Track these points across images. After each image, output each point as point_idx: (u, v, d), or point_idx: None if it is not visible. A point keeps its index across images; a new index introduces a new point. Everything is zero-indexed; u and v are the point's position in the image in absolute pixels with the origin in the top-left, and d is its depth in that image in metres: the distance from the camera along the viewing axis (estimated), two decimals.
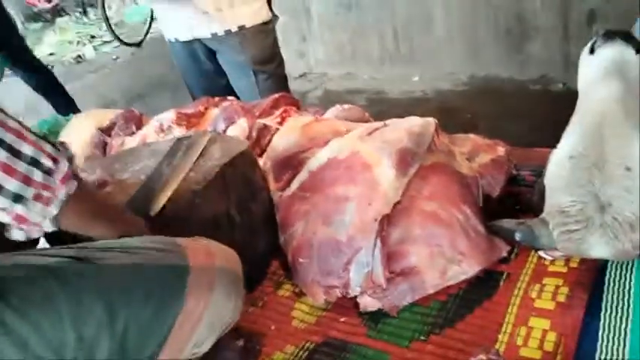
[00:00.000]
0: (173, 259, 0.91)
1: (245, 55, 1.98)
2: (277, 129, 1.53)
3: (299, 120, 1.50)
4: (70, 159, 0.85)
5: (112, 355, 0.82)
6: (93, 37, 5.78)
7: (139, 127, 1.77)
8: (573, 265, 1.13)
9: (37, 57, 3.51)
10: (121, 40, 5.21)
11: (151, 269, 0.88)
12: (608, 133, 1.08)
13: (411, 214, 1.18)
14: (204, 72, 2.15)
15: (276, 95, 1.67)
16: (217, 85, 2.14)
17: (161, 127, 1.64)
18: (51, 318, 0.78)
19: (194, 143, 1.30)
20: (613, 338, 0.96)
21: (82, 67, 5.16)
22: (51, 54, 5.61)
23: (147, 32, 5.33)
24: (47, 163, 0.80)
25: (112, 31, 5.18)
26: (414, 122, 1.31)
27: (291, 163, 1.38)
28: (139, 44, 5.30)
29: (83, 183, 0.87)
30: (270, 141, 1.52)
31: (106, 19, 5.13)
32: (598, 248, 1.03)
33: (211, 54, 2.08)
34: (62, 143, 0.85)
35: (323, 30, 3.79)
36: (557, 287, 1.09)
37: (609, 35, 1.24)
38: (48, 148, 0.81)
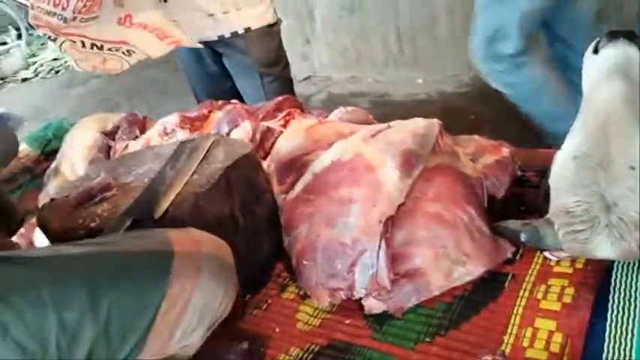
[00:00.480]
0: (157, 246, 0.92)
1: (251, 58, 2.00)
2: (281, 132, 1.53)
3: (303, 122, 1.50)
4: None
5: (96, 341, 0.82)
6: None
7: (143, 130, 1.77)
8: (579, 265, 1.12)
9: None
10: None
11: (134, 255, 0.89)
12: (613, 132, 1.07)
13: (416, 215, 1.18)
14: (210, 75, 2.16)
15: (280, 98, 1.67)
16: (223, 88, 2.15)
17: (165, 131, 1.64)
18: (33, 302, 0.78)
19: (197, 146, 1.30)
20: (620, 339, 0.96)
21: (86, 73, 5.17)
22: (55, 59, 5.64)
23: None
24: None
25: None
26: (418, 124, 1.31)
27: (294, 166, 1.38)
28: None
29: None
30: (273, 144, 1.52)
31: None
32: (604, 248, 1.02)
33: (217, 57, 2.09)
34: None
35: (327, 33, 3.80)
36: (563, 288, 1.08)
37: (613, 35, 1.23)
38: None
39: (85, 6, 1.67)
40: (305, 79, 3.91)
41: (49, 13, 1.69)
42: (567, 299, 1.06)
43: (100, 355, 0.83)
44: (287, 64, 2.15)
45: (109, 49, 1.82)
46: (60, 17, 1.69)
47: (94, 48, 1.80)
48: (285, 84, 2.12)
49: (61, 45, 1.77)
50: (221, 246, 1.01)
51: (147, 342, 0.87)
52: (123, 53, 1.85)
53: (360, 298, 1.15)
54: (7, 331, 0.76)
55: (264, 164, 1.45)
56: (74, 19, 1.68)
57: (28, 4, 1.71)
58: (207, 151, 1.29)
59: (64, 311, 0.79)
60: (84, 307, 0.80)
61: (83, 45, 1.78)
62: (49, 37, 1.78)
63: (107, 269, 0.85)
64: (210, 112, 1.71)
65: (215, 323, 0.98)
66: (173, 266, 0.88)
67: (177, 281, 0.88)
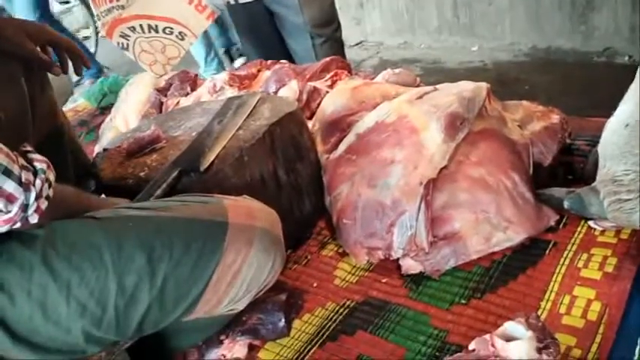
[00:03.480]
0: (214, 216, 0.93)
1: (304, 17, 1.99)
2: (327, 92, 1.53)
3: (349, 83, 1.50)
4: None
5: (151, 306, 0.86)
6: None
7: (194, 87, 1.81)
8: (624, 236, 1.09)
9: None
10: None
11: (191, 224, 0.91)
12: None
13: (458, 179, 1.17)
14: (262, 36, 2.17)
15: (328, 59, 1.67)
16: (274, 50, 2.15)
17: (214, 88, 1.67)
18: (94, 264, 0.82)
19: (244, 103, 1.32)
20: None
21: None
22: None
23: None
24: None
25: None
26: (466, 87, 1.29)
27: (339, 126, 1.39)
28: None
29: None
30: (319, 104, 1.52)
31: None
32: None
33: (270, 17, 2.10)
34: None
35: None
36: (606, 258, 1.06)
37: None
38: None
39: None
40: (357, 44, 3.87)
41: (109, 11, 1.84)
42: (609, 269, 1.04)
43: (153, 318, 0.87)
44: (339, 26, 2.14)
45: (164, 31, 1.90)
46: (117, 7, 1.83)
47: (152, 31, 1.90)
48: (336, 46, 2.12)
49: (136, 54, 1.91)
50: (274, 221, 1.03)
51: (196, 307, 0.90)
52: (176, 37, 1.93)
53: (398, 258, 1.16)
54: (70, 290, 0.81)
55: (310, 124, 1.46)
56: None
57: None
58: (254, 108, 1.31)
59: (124, 275, 0.83)
60: (142, 272, 0.84)
61: (142, 30, 1.87)
62: (124, 47, 1.95)
63: (165, 236, 0.87)
64: (259, 71, 1.73)
65: (261, 292, 1.01)
66: (227, 237, 0.91)
67: (229, 253, 0.90)
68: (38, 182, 0.77)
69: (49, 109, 1.31)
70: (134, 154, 1.25)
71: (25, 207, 0.75)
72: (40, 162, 0.79)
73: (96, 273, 0.81)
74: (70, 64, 1.29)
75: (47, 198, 0.79)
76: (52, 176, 0.80)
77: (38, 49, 1.21)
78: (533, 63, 3.17)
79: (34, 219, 0.77)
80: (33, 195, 0.75)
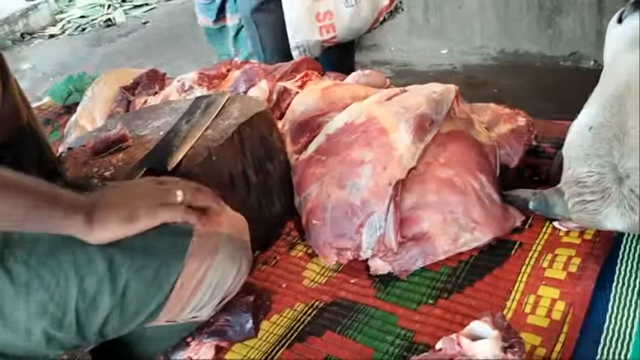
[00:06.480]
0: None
1: None
2: (297, 92, 1.53)
3: (319, 84, 1.50)
4: None
5: (113, 312, 0.84)
6: (124, 0, 5.81)
7: (162, 86, 1.78)
8: (588, 237, 1.12)
9: None
10: None
11: (154, 229, 0.88)
12: (631, 104, 1.05)
13: (426, 180, 1.18)
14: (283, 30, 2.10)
15: (298, 59, 1.67)
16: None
17: (183, 87, 1.65)
18: (53, 269, 0.80)
19: (213, 102, 1.31)
20: (623, 310, 0.96)
21: (113, 31, 5.18)
22: (82, 17, 5.65)
23: None
24: None
25: None
26: (434, 89, 1.30)
27: (308, 127, 1.38)
28: None
29: None
30: (289, 104, 1.52)
31: None
32: (613, 220, 1.02)
33: None
34: None
35: None
36: (570, 258, 1.08)
37: (638, 4, 1.20)
38: None
39: None
40: None
41: None
42: (573, 269, 1.06)
43: (114, 324, 0.85)
44: None
45: None
46: None
47: None
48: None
49: None
50: (240, 226, 1.01)
51: (159, 314, 0.89)
52: None
53: (367, 259, 1.16)
54: (28, 293, 0.79)
55: (280, 124, 1.46)
56: None
57: None
58: (223, 107, 1.30)
59: (84, 278, 0.81)
60: (103, 276, 0.82)
61: None
62: None
63: (126, 241, 0.85)
64: (228, 70, 1.71)
65: (226, 299, 0.99)
66: (191, 245, 0.89)
67: (193, 260, 0.88)
68: None
69: (9, 110, 1.26)
70: (99, 154, 1.22)
71: None
72: None
73: (56, 276, 0.80)
74: None
75: None
76: None
77: None
78: (501, 66, 3.22)
79: None
80: None
